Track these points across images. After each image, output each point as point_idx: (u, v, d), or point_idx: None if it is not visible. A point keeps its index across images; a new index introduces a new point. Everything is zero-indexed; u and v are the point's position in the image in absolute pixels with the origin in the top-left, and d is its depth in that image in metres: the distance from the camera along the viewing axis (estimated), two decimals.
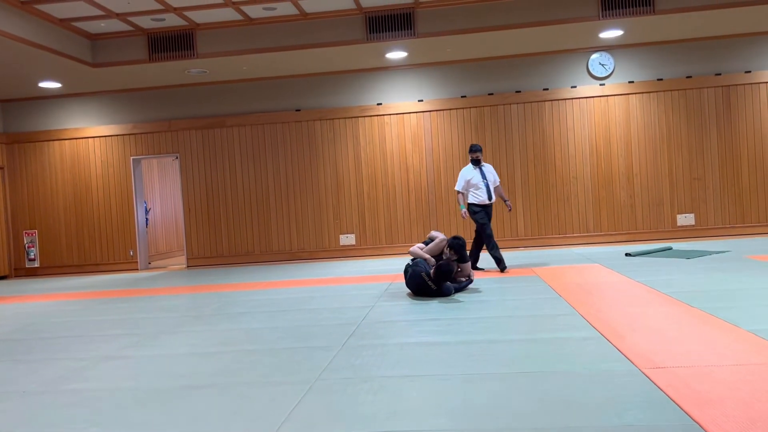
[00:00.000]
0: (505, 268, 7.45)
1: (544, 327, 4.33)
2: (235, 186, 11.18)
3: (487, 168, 7.78)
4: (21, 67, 9.39)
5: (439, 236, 6.39)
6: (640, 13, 8.79)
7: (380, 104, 10.87)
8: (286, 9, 8.93)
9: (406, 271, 6.19)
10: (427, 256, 6.17)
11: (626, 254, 8.44)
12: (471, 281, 6.28)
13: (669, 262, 7.42)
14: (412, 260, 6.20)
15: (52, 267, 11.53)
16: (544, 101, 10.59)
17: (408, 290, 6.22)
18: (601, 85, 10.48)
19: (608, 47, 10.39)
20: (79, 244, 11.48)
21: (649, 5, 8.73)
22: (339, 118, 10.97)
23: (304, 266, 9.94)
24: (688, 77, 10.32)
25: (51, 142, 11.51)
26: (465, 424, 2.59)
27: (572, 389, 2.93)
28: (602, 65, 10.44)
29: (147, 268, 11.49)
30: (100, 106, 11.43)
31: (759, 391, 2.72)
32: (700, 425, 2.39)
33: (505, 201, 7.74)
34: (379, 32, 9.19)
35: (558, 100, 10.56)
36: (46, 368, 4.01)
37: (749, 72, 10.21)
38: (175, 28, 9.42)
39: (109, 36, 9.52)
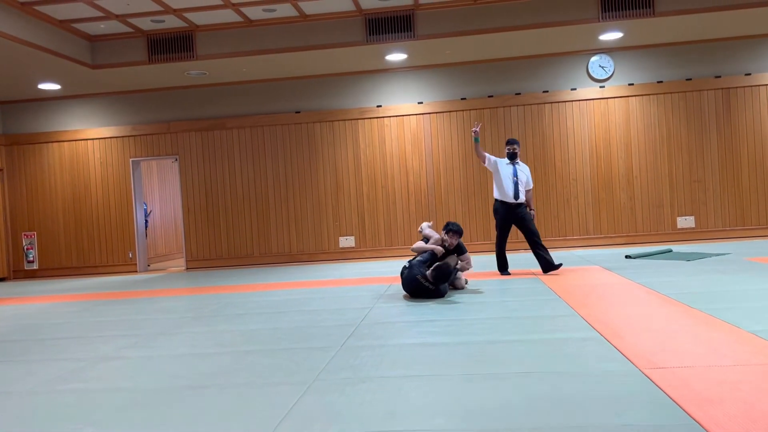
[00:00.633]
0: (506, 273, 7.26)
1: (544, 328, 4.32)
2: (235, 188, 11.17)
3: (522, 167, 7.30)
4: (20, 69, 9.39)
5: (434, 235, 6.37)
6: (640, 15, 8.80)
7: (380, 106, 10.87)
8: (285, 11, 8.94)
9: (402, 273, 6.16)
10: (433, 246, 6.15)
11: (626, 256, 8.42)
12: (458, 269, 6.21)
13: (669, 264, 7.41)
14: (409, 262, 6.18)
15: (51, 269, 11.51)
16: (544, 103, 10.58)
17: (404, 292, 6.19)
18: (600, 87, 10.48)
19: (608, 49, 10.39)
20: (78, 246, 11.47)
21: (649, 7, 8.73)
22: (339, 120, 10.96)
23: (304, 268, 9.92)
24: (688, 80, 10.32)
25: (50, 144, 11.50)
26: (464, 423, 2.57)
27: (572, 389, 2.91)
28: (602, 67, 10.44)
29: (146, 271, 11.47)
30: (99, 107, 11.42)
31: (760, 391, 2.70)
32: (700, 425, 2.37)
33: (530, 209, 7.29)
34: (379, 34, 9.19)
35: (558, 102, 10.56)
36: (43, 369, 3.99)
37: (749, 74, 10.21)
38: (175, 30, 9.42)
39: (108, 37, 9.52)
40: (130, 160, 11.36)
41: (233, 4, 8.55)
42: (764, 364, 3.10)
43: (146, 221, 12.33)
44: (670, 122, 10.41)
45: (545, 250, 7.09)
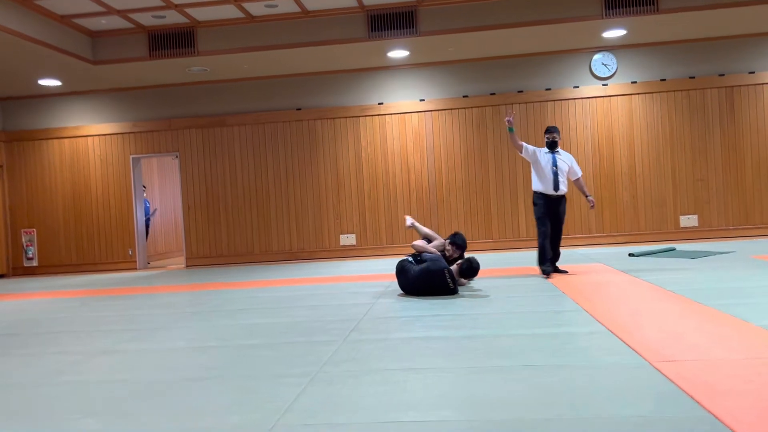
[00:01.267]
0: (547, 273, 6.62)
1: (549, 322, 4.26)
2: (235, 185, 11.12)
3: (564, 156, 6.78)
4: (21, 64, 9.33)
5: (436, 238, 6.26)
6: (643, 12, 8.75)
7: (381, 104, 10.81)
8: (287, 6, 8.88)
9: (403, 268, 5.84)
10: (434, 250, 6.02)
11: (629, 254, 8.36)
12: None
13: (673, 262, 7.35)
14: (414, 257, 6.01)
15: (51, 266, 11.45)
16: (547, 101, 10.53)
17: (401, 291, 5.96)
18: (603, 85, 10.42)
19: (611, 47, 10.34)
20: (77, 243, 11.41)
21: (653, 4, 8.68)
22: (340, 118, 10.91)
23: (304, 266, 9.86)
24: (691, 78, 10.26)
25: (50, 141, 11.44)
26: (471, 415, 2.51)
27: (580, 381, 2.86)
28: (605, 65, 10.39)
29: (146, 268, 11.41)
30: (99, 104, 11.37)
31: None
32: (715, 416, 2.31)
33: (586, 196, 6.76)
34: (381, 30, 9.13)
35: (560, 100, 10.50)
36: (41, 362, 3.93)
37: (753, 73, 10.16)
38: (176, 26, 9.37)
39: (109, 33, 9.47)
40: (131, 157, 11.31)
41: (235, 0, 8.50)
42: None
43: (149, 219, 12.27)
44: (673, 120, 10.35)
45: (558, 258, 6.83)
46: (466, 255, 6.11)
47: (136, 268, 11.22)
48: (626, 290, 5.45)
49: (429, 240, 6.27)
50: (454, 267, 5.74)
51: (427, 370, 3.19)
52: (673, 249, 8.76)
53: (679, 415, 2.36)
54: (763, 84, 10.17)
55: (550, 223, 6.64)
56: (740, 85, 10.20)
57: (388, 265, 8.88)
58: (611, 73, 10.40)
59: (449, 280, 5.54)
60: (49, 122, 11.46)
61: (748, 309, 4.24)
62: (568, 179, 6.79)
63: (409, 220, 6.63)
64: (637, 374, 2.91)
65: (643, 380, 2.82)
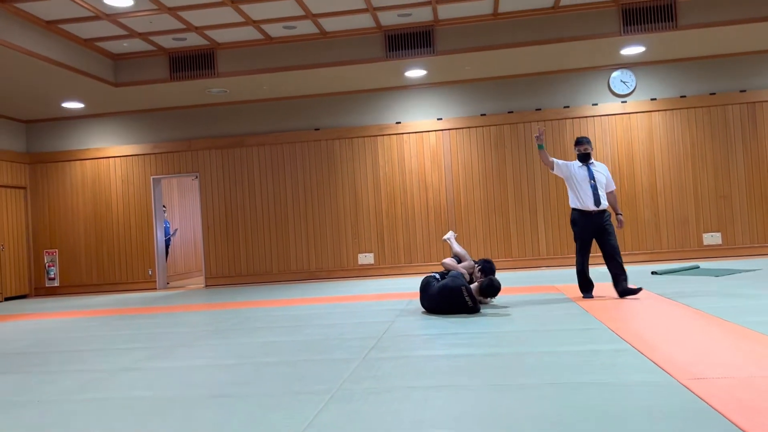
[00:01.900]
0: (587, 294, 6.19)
1: (573, 340, 4.18)
2: (254, 205, 11.17)
3: (599, 167, 6.24)
4: (45, 88, 9.51)
5: (467, 260, 6.21)
6: (662, 29, 8.70)
7: (399, 123, 10.84)
8: (305, 28, 8.98)
9: (428, 284, 5.84)
10: (464, 270, 5.97)
11: (652, 272, 8.23)
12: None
13: (697, 280, 7.21)
14: (441, 273, 5.98)
15: (72, 286, 11.54)
16: (565, 119, 10.48)
17: (422, 308, 5.94)
18: (622, 102, 10.36)
19: (630, 64, 10.29)
20: (98, 263, 11.50)
21: (672, 20, 8.64)
22: (358, 137, 10.95)
23: (323, 285, 9.83)
24: (712, 94, 10.16)
25: (72, 162, 11.60)
26: None
27: (607, 399, 2.78)
28: (624, 82, 10.33)
29: (165, 288, 11.45)
30: (121, 126, 11.53)
31: None
32: None
33: (617, 214, 6.20)
34: (399, 50, 9.18)
35: (579, 117, 10.45)
36: (62, 379, 3.93)
37: None
38: (196, 48, 9.50)
39: (131, 56, 9.63)
40: (151, 177, 11.42)
41: (254, 22, 8.61)
42: None
43: (169, 240, 12.35)
44: (694, 137, 10.24)
45: (624, 273, 6.03)
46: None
47: (155, 288, 11.27)
48: (651, 308, 5.34)
49: (459, 260, 6.22)
50: (474, 285, 5.68)
51: (450, 388, 3.14)
52: (697, 267, 8.61)
53: None
54: None
55: (592, 245, 6.13)
56: (762, 101, 10.07)
57: (406, 284, 8.83)
58: (630, 90, 10.34)
59: (467, 298, 5.48)
60: (71, 144, 11.64)
61: None
62: None
63: (449, 234, 6.62)
64: (665, 392, 2.83)
65: (671, 398, 2.74)
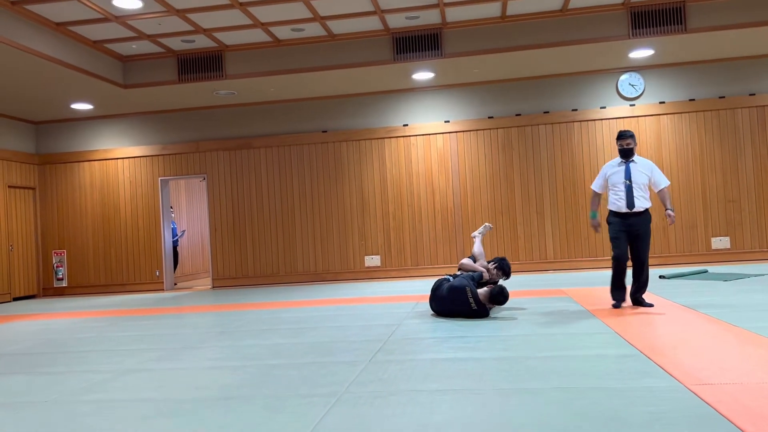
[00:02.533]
0: (617, 304, 5.79)
1: (580, 344, 4.16)
2: (261, 207, 11.19)
3: (641, 163, 5.71)
4: (55, 89, 9.57)
5: (482, 259, 6.19)
6: (671, 32, 8.66)
7: (406, 125, 10.84)
8: (313, 30, 8.99)
9: (439, 286, 5.77)
10: (483, 270, 5.93)
11: (660, 277, 8.19)
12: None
13: (706, 284, 7.17)
14: (454, 276, 5.95)
15: (80, 286, 11.60)
16: (573, 122, 10.45)
17: (431, 311, 5.95)
18: (631, 105, 10.32)
19: (638, 67, 10.25)
20: (106, 264, 11.55)
21: (681, 23, 8.60)
22: (365, 140, 10.95)
23: (329, 287, 9.84)
24: (721, 97, 10.11)
25: (81, 163, 11.67)
26: None
27: (614, 405, 2.77)
28: (632, 86, 10.30)
29: (172, 289, 11.49)
30: (129, 127, 11.58)
31: None
32: None
33: (666, 209, 5.63)
34: (407, 53, 9.18)
35: (587, 120, 10.42)
36: (68, 380, 3.94)
37: None
38: (205, 50, 9.53)
39: (140, 57, 9.67)
40: (159, 179, 11.47)
41: (262, 24, 8.64)
42: None
43: (177, 241, 12.39)
44: (702, 141, 10.19)
45: (644, 288, 5.73)
46: (501, 282, 6.02)
47: (163, 289, 11.31)
48: (658, 312, 5.31)
49: (475, 259, 6.19)
50: (484, 290, 5.60)
51: (457, 392, 3.13)
52: (706, 271, 8.56)
53: None
54: None
55: (627, 246, 5.67)
56: None
57: (413, 287, 8.82)
58: (638, 94, 10.30)
59: (471, 299, 5.45)
60: (80, 145, 11.70)
61: None
62: (651, 191, 5.78)
63: (481, 229, 6.61)
64: (672, 397, 2.82)
65: (679, 404, 2.72)
